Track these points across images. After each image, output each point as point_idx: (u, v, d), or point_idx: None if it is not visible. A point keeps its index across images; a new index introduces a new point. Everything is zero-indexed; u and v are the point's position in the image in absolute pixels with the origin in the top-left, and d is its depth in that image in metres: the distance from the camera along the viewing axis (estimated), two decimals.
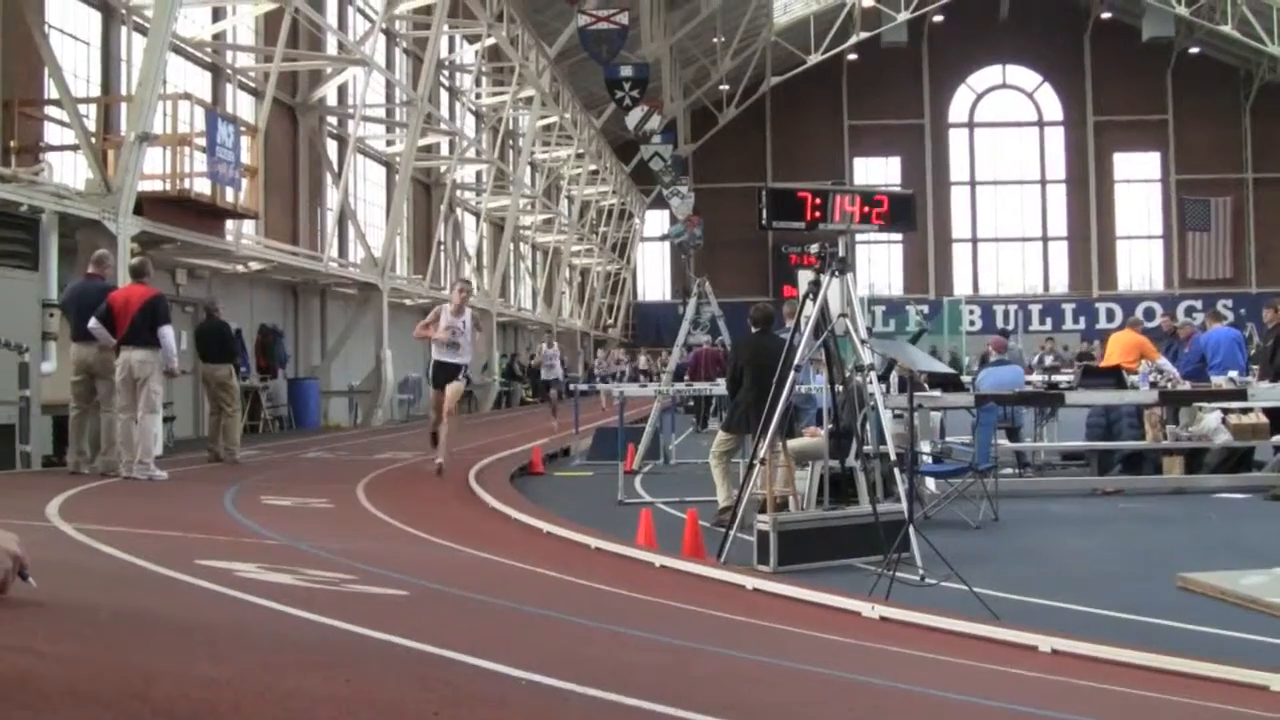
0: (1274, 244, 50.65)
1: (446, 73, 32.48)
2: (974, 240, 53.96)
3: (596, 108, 40.33)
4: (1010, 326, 42.23)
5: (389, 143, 28.57)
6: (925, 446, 11.20)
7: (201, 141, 16.28)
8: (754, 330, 10.44)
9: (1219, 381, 13.22)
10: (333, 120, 25.74)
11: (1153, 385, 13.15)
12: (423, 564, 7.51)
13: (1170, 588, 7.07)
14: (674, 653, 5.24)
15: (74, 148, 15.72)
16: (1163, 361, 14.02)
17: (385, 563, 7.12)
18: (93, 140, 15.22)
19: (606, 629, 5.76)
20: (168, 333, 11.31)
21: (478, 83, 34.64)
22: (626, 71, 33.12)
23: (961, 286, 52.28)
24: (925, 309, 45.41)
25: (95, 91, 17.86)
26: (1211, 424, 13.15)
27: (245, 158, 17.36)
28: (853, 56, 48.90)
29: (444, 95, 32.65)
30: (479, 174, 35.18)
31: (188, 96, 17.05)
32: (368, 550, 7.72)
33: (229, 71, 20.98)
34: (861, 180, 50.77)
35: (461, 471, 13.00)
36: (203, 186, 16.79)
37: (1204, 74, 50.43)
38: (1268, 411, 12.86)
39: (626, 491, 12.28)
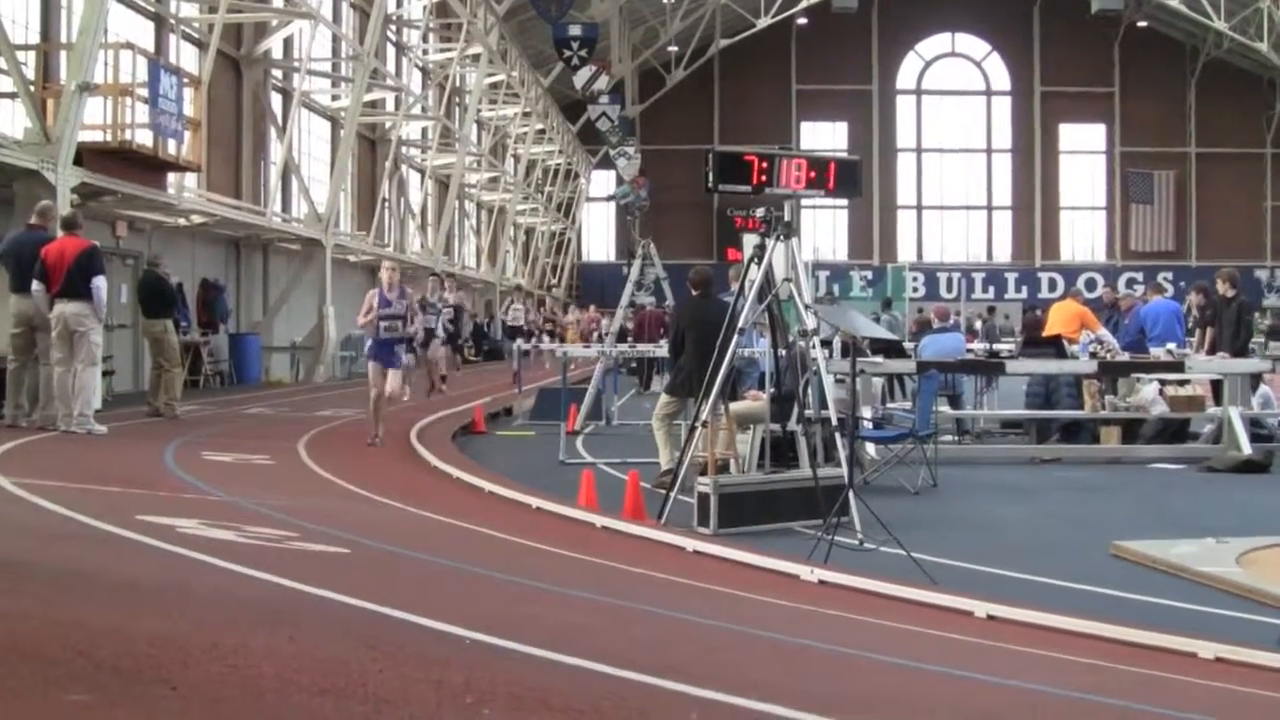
0: (1215, 218, 51.32)
1: (393, 28, 32.01)
2: (919, 207, 54.24)
3: (544, 66, 40.00)
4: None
5: (334, 97, 28.14)
6: (866, 412, 11.30)
7: (143, 92, 15.96)
8: (694, 293, 10.48)
9: (1157, 353, 13.42)
10: (278, 74, 25.30)
11: (1092, 356, 13.32)
12: (364, 522, 7.51)
13: (1104, 555, 7.21)
14: (614, 613, 5.29)
15: (12, 96, 15.37)
16: (1103, 332, 14.19)
17: (327, 520, 7.11)
18: (31, 89, 14.89)
19: (548, 589, 5.80)
20: (100, 284, 11.18)
21: (425, 39, 34.22)
22: (575, 30, 32.86)
23: (906, 253, 52.54)
24: (869, 274, 45.70)
25: (34, 39, 17.44)
26: (1149, 395, 13.37)
27: (188, 110, 17.06)
28: (802, 20, 48.73)
29: (390, 51, 32.21)
30: (425, 131, 34.80)
31: (130, 46, 16.70)
32: (309, 508, 7.71)
33: (172, 21, 20.55)
34: (808, 145, 50.75)
35: (403, 430, 12.96)
36: (144, 138, 16.46)
37: (1151, 48, 50.84)
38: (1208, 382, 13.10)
39: (568, 452, 12.30)
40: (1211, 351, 13.39)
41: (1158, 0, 45.74)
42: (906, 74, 54.24)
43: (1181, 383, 13.37)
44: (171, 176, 17.93)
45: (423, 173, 35.17)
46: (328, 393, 19.93)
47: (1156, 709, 4.13)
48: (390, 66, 31.39)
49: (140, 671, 2.88)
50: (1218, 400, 12.94)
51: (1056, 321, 14.63)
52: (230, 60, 22.76)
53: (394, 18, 31.38)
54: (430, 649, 4.34)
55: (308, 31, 24.25)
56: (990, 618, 5.37)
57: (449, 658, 4.12)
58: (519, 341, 23.60)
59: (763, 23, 46.20)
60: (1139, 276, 43.56)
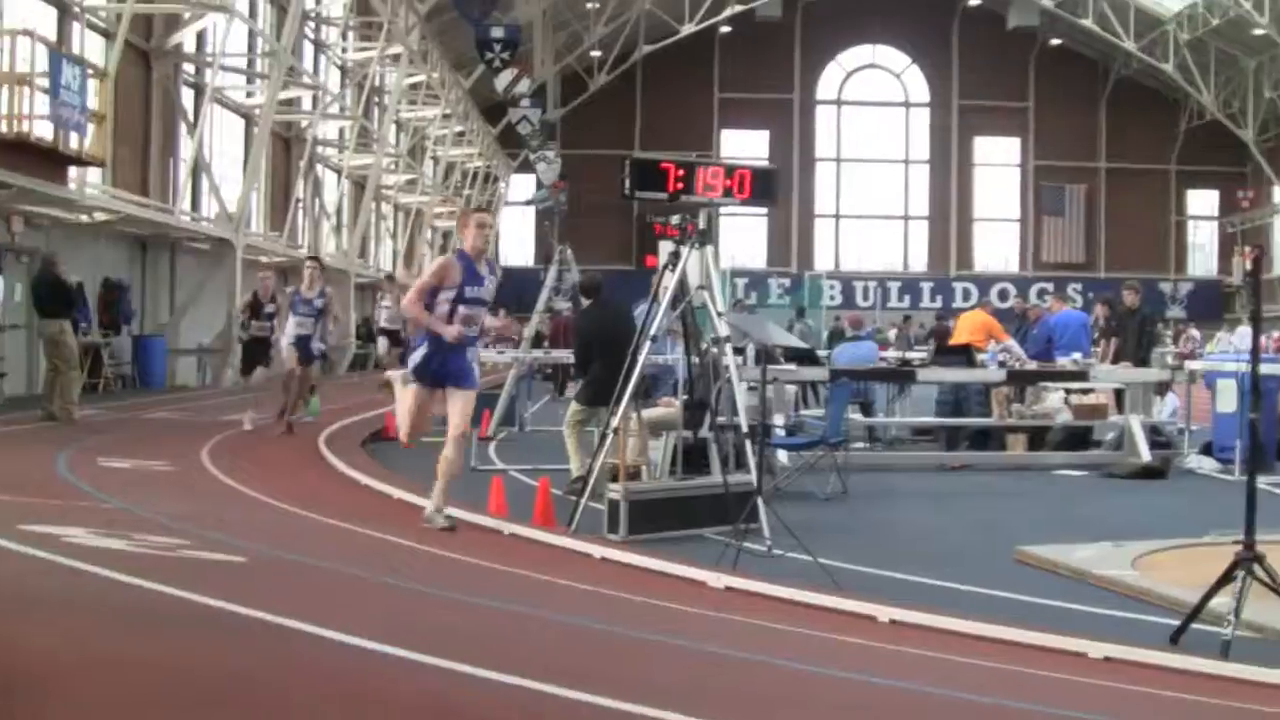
0: (1123, 231, 52.39)
1: (312, 24, 31.60)
2: (837, 216, 54.70)
3: (465, 68, 39.72)
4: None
5: (249, 94, 27.69)
6: (779, 419, 11.33)
7: (44, 82, 15.52)
8: (588, 302, 10.44)
9: (1063, 363, 13.64)
10: (189, 68, 24.81)
11: (1001, 365, 13.50)
12: (265, 529, 7.37)
13: (1008, 560, 7.29)
14: (520, 621, 5.26)
15: None
16: (1009, 342, 14.41)
17: (225, 528, 6.97)
18: None
19: (451, 597, 5.73)
20: None
21: (344, 37, 33.81)
22: (498, 33, 32.67)
23: (823, 262, 52.95)
24: (787, 282, 46.03)
25: None
26: (1054, 403, 13.60)
27: (92, 102, 16.64)
28: (726, 29, 48.93)
29: (308, 48, 31.78)
30: (342, 131, 34.37)
31: (29, 33, 16.22)
32: (207, 515, 7.55)
33: (77, 9, 20.00)
34: (730, 153, 50.91)
35: (312, 436, 12.73)
36: (44, 130, 15.99)
37: (1065, 65, 51.77)
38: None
39: (480, 458, 12.16)
40: (1115, 361, 13.65)
41: (1071, 20, 46.62)
42: (827, 84, 54.69)
43: (1085, 391, 13.62)
44: (73, 171, 17.43)
45: (339, 173, 34.74)
46: (236, 397, 19.53)
47: (1043, 708, 4.22)
48: (308, 64, 30.97)
49: (21, 687, 2.75)
50: (1120, 408, 13.19)
51: (964, 330, 14.83)
52: (139, 52, 22.24)
53: (312, 14, 30.98)
54: (324, 659, 4.24)
55: (222, 25, 23.78)
56: (893, 622, 5.42)
57: (343, 668, 4.03)
58: (385, 343, 20.68)
59: (687, 30, 46.35)
60: (1050, 287, 44.28)
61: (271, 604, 4.97)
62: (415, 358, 7.65)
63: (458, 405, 7.58)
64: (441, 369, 7.55)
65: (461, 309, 7.47)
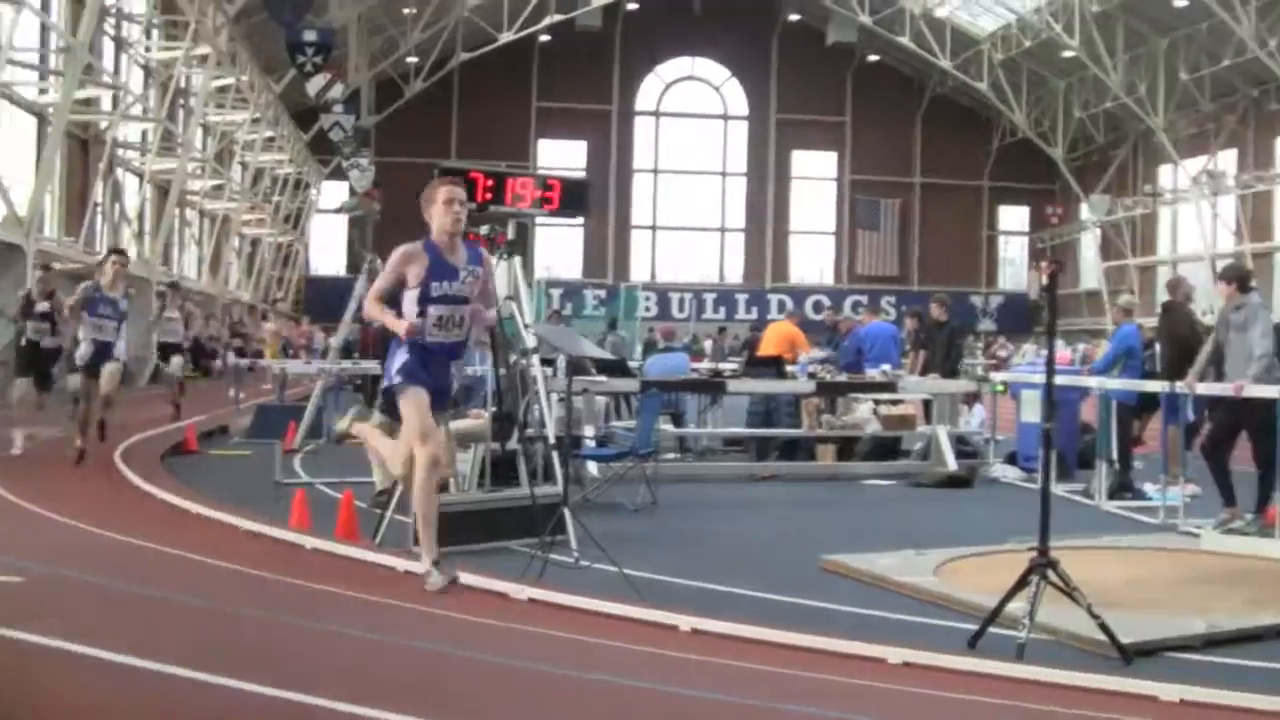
0: (936, 245, 54.17)
1: (113, 20, 30.30)
2: (654, 228, 55.24)
3: (276, 72, 38.68)
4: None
5: (42, 91, 26.38)
6: (589, 431, 11.30)
7: None
8: None
9: (873, 374, 13.96)
10: None
11: (811, 376, 13.75)
12: (48, 547, 7.02)
13: (814, 568, 7.39)
14: (318, 637, 5.19)
15: None
16: (815, 353, 14.68)
17: (1, 546, 6.59)
18: None
19: (250, 614, 5.59)
20: None
21: (148, 35, 32.54)
22: (310, 36, 31.95)
23: (640, 273, 53.39)
24: (602, 294, 46.22)
25: None
26: (864, 414, 13.91)
27: None
28: (545, 38, 48.91)
29: (108, 45, 30.46)
30: (144, 133, 33.05)
31: None
32: None
33: None
34: (547, 163, 50.89)
35: (107, 449, 12.15)
36: None
37: (882, 81, 53.29)
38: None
39: (285, 472, 11.78)
40: (924, 373, 14.05)
41: (889, 37, 48.08)
42: (647, 95, 55.18)
43: (894, 402, 13.97)
44: None
45: (141, 177, 33.39)
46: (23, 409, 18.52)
47: (842, 714, 4.29)
48: (108, 63, 29.66)
49: None
50: (928, 419, 13.57)
51: (769, 342, 15.01)
52: None
53: (112, 10, 29.71)
54: (104, 683, 4.05)
55: (9, 16, 22.55)
56: (695, 631, 5.44)
57: (124, 690, 3.84)
58: (178, 360, 18.17)
59: (505, 37, 46.15)
60: (864, 299, 45.44)
61: (47, 626, 4.72)
62: (396, 364, 6.43)
63: (441, 429, 6.60)
64: (426, 376, 6.39)
65: (432, 310, 6.35)
